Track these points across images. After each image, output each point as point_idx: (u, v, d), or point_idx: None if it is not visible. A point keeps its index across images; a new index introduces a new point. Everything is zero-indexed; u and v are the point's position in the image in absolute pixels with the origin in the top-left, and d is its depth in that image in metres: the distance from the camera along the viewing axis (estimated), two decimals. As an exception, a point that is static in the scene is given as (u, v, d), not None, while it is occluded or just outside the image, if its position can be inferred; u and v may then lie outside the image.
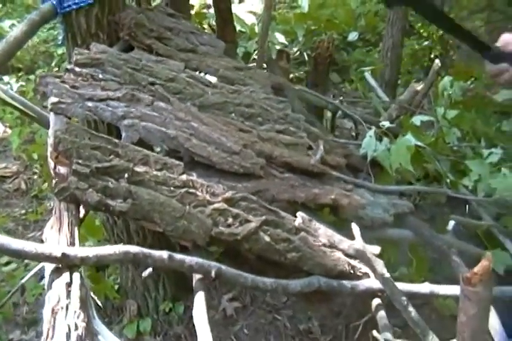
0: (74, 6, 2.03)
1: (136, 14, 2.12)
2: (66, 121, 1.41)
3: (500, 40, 1.61)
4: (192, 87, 1.81)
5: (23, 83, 4.99)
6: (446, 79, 2.31)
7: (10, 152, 4.42)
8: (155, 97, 1.66)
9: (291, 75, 4.35)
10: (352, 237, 1.68)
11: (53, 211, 1.25)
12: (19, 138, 4.03)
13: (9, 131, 4.56)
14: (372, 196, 1.84)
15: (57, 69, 5.20)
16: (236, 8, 4.30)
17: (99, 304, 2.69)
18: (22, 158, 4.29)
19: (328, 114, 2.71)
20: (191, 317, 1.27)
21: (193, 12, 4.24)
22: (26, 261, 3.45)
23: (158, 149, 1.77)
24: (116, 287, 2.87)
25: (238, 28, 4.16)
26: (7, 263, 3.47)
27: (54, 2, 2.03)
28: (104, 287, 2.77)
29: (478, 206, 2.01)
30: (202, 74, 2.02)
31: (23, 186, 4.08)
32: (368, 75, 2.85)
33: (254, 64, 3.11)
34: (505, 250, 1.77)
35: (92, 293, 1.28)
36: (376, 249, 1.57)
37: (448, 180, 2.03)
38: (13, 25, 6.06)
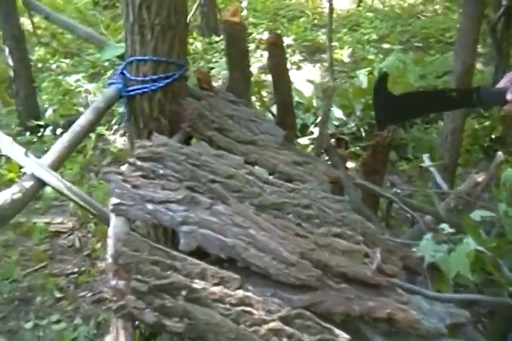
0: (138, 91, 2.12)
1: (197, 103, 2.18)
2: (126, 232, 1.43)
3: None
4: (251, 184, 1.83)
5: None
6: (509, 170, 2.24)
7: (67, 207, 4.54)
8: (214, 199, 1.69)
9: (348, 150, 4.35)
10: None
11: (111, 328, 1.26)
12: (77, 195, 4.12)
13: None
14: (429, 303, 1.80)
15: (116, 127, 5.35)
16: (293, 76, 4.38)
17: None
18: (78, 214, 4.40)
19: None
20: None
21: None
22: (76, 321, 3.52)
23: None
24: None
25: (296, 98, 4.23)
26: (57, 322, 3.51)
27: (120, 86, 2.12)
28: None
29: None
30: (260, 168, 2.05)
31: (77, 243, 4.17)
32: (426, 160, 2.81)
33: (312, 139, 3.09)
34: None
35: None
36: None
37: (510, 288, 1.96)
38: (78, 80, 6.33)
